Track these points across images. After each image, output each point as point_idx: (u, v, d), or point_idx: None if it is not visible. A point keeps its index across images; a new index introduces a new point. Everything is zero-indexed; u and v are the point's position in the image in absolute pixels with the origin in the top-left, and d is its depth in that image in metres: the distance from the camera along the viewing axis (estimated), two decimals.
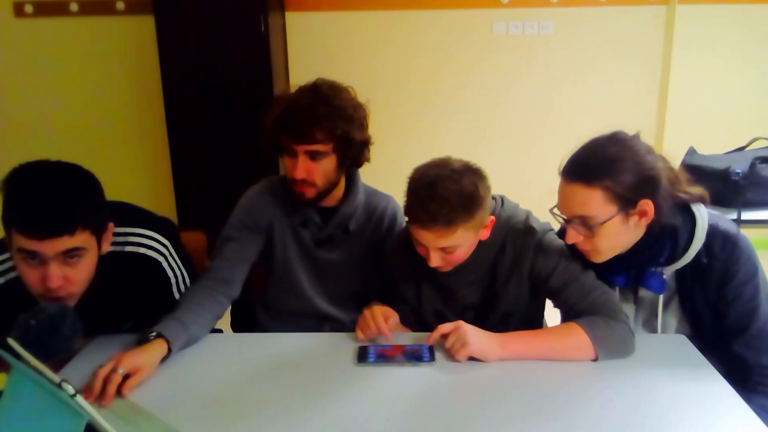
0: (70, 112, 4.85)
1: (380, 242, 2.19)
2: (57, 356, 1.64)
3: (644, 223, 1.72)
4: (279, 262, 2.20)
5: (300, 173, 1.97)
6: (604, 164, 1.69)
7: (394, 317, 1.88)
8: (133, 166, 4.97)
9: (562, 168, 1.76)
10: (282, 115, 1.96)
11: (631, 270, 1.86)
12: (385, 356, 1.75)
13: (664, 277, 1.82)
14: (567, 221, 1.76)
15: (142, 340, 1.72)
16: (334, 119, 1.94)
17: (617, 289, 1.88)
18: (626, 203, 1.68)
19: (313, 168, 1.98)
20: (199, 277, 2.04)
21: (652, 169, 1.69)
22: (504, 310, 1.95)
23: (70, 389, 1.25)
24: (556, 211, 1.79)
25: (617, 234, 1.72)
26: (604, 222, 1.69)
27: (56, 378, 1.29)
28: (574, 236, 1.75)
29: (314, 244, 2.18)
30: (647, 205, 1.69)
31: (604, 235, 1.71)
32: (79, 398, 1.24)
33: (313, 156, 1.96)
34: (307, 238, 2.17)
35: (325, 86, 1.99)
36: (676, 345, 1.81)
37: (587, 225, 1.71)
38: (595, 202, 1.68)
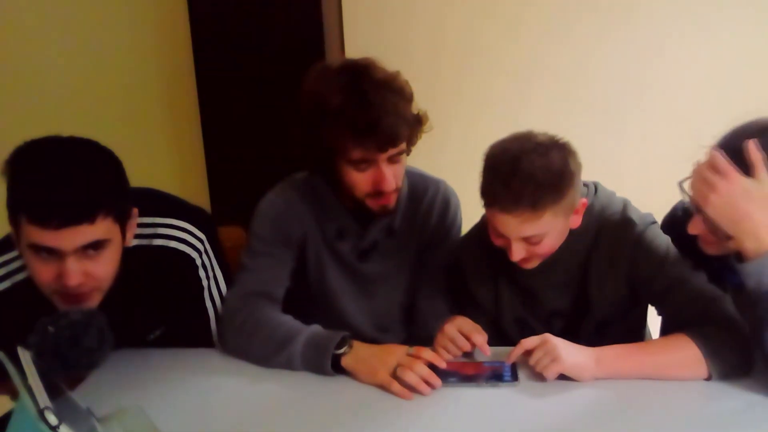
0: (83, 86, 4.79)
1: (431, 237, 2.17)
2: (76, 370, 1.65)
3: None
4: (314, 284, 2.17)
5: (391, 183, 1.92)
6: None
7: (481, 335, 1.84)
8: (159, 149, 4.96)
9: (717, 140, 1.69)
10: (363, 125, 1.83)
11: None
12: (459, 375, 1.75)
13: None
14: (696, 209, 1.69)
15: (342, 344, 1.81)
16: (408, 107, 1.92)
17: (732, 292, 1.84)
18: None
19: (396, 172, 1.95)
20: (245, 296, 1.99)
21: None
22: (599, 318, 1.94)
23: (53, 419, 1.20)
24: (686, 186, 1.71)
25: None
26: None
27: (41, 403, 1.24)
28: (698, 227, 1.70)
29: (356, 258, 2.15)
30: None
31: None
32: (63, 430, 1.22)
33: (394, 158, 1.93)
34: (345, 252, 2.14)
35: (375, 69, 1.93)
36: None
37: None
38: None
